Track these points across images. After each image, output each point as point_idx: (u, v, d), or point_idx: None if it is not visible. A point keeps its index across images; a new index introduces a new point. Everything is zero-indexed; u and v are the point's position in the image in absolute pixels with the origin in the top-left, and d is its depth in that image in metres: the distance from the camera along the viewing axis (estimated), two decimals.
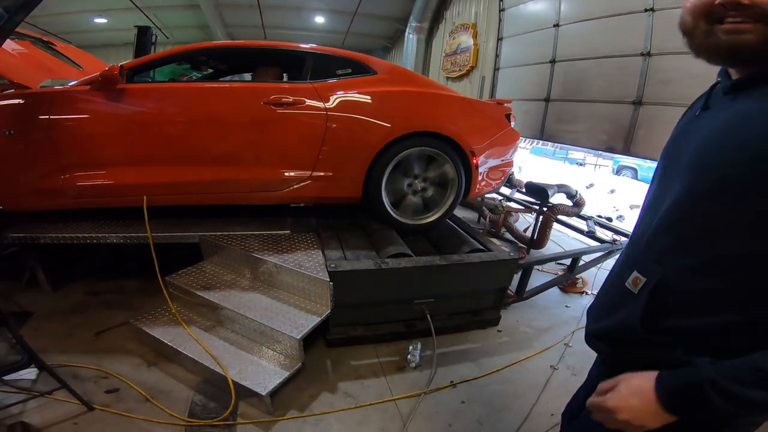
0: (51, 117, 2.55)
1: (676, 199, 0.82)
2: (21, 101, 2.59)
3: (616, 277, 0.97)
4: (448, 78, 9.23)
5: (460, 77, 8.71)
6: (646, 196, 0.98)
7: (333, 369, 2.50)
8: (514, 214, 4.61)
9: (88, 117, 2.61)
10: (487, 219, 4.36)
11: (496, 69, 7.38)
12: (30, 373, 2.13)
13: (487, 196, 4.76)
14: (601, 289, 1.09)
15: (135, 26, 4.79)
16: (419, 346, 2.65)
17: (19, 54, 3.24)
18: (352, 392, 2.33)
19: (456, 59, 8.88)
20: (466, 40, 8.53)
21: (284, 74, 3.23)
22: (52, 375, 1.98)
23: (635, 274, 0.88)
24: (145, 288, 3.18)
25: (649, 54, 4.39)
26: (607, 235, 4.06)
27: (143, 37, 4.67)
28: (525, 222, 5.18)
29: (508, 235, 4.74)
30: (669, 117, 4.00)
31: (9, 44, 3.25)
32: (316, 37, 13.50)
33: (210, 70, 3.63)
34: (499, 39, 7.29)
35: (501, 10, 7.30)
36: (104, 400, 2.12)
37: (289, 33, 13.25)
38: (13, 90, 2.65)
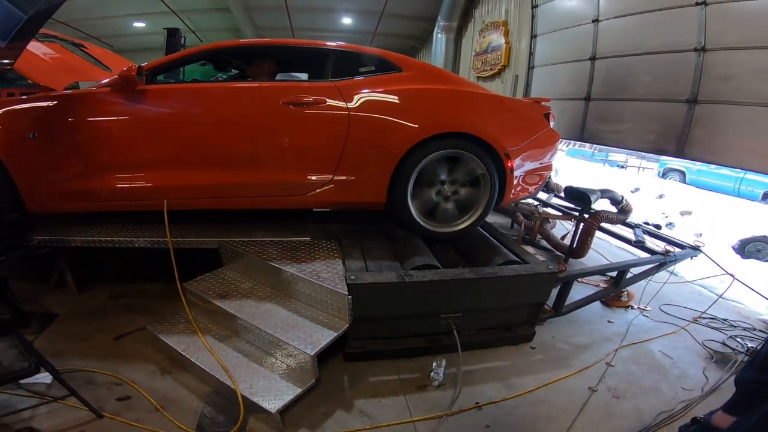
0: (73, 119, 2.54)
1: None
2: (45, 104, 2.58)
3: None
4: (478, 77, 8.98)
5: (492, 76, 8.45)
6: None
7: (350, 385, 2.35)
8: (551, 220, 4.31)
9: (109, 119, 2.58)
10: (522, 225, 4.08)
11: (530, 67, 7.09)
12: (45, 377, 2.12)
13: (521, 201, 4.48)
14: None
15: (164, 28, 4.83)
16: (444, 363, 2.45)
17: (48, 56, 3.28)
18: (368, 411, 2.17)
19: (487, 58, 8.61)
20: (496, 38, 8.26)
21: (304, 73, 3.11)
22: (61, 382, 1.97)
23: None
24: (166, 292, 3.11)
25: (704, 49, 4.03)
26: (657, 245, 3.69)
27: (172, 39, 4.71)
28: (562, 229, 4.86)
29: (544, 243, 4.45)
30: (735, 116, 3.62)
31: (38, 47, 3.30)
32: (344, 38, 13.53)
33: (235, 71, 3.57)
34: (533, 36, 7.00)
35: (534, 6, 7.01)
36: (115, 407, 2.08)
37: (317, 35, 13.36)
38: (37, 93, 2.66)
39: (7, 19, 2.44)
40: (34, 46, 3.19)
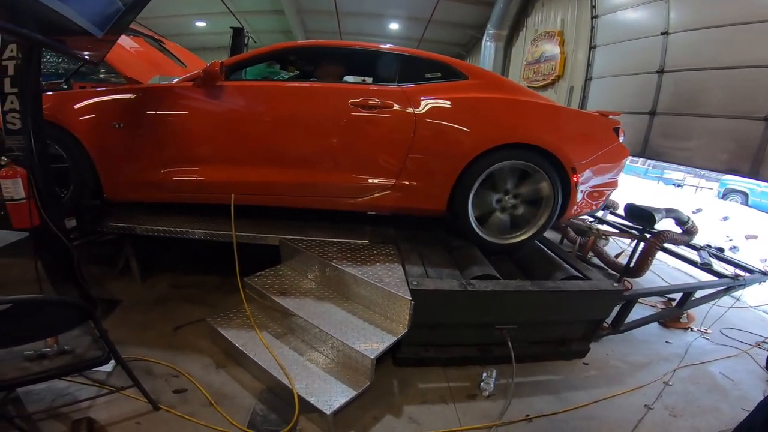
0: (157, 112, 2.66)
1: None
2: (132, 96, 2.73)
3: None
4: (529, 87, 8.78)
5: (544, 86, 8.26)
6: None
7: (399, 390, 2.35)
8: (605, 238, 4.15)
9: (190, 113, 2.70)
10: (577, 243, 3.95)
11: (587, 79, 6.87)
12: (106, 366, 2.13)
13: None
14: None
15: (231, 27, 5.03)
16: (494, 373, 2.42)
17: (134, 50, 3.46)
18: (417, 417, 2.16)
19: (539, 68, 8.43)
20: (551, 48, 8.08)
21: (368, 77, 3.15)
22: (128, 373, 1.98)
23: None
24: (223, 285, 3.24)
25: None
26: (725, 268, 3.49)
27: (237, 38, 4.89)
28: (616, 247, 4.66)
29: (595, 260, 4.28)
30: None
31: (126, 40, 3.48)
32: (391, 43, 13.57)
33: (296, 72, 3.65)
34: (592, 47, 6.79)
35: (594, 17, 6.80)
36: (171, 400, 2.12)
37: (364, 39, 13.50)
38: (112, 86, 2.81)
39: (106, 10, 2.57)
40: (122, 40, 3.36)
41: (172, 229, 2.84)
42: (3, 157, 2.40)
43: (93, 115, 2.71)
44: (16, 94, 2.34)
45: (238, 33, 4.91)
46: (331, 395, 2.03)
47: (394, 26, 12.75)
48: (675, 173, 14.20)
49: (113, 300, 2.97)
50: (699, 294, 3.25)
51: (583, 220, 4.23)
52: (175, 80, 2.81)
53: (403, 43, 13.51)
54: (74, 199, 2.82)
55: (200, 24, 12.84)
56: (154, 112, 2.67)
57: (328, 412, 1.93)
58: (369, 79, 3.11)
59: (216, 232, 2.80)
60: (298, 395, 2.02)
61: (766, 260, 4.64)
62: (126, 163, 2.77)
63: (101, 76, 4.04)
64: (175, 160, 2.74)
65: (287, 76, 3.95)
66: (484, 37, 10.07)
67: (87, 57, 2.63)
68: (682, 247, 3.85)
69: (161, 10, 10.58)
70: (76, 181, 2.80)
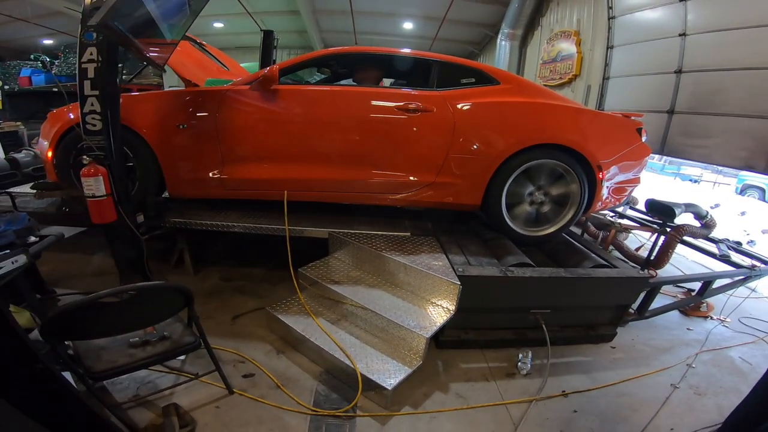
0: (217, 114, 2.89)
1: None
2: (194, 98, 2.95)
3: None
4: (546, 86, 8.89)
5: (561, 85, 8.37)
6: None
7: (444, 370, 2.56)
8: (626, 231, 4.34)
9: (247, 115, 2.92)
10: (599, 237, 4.14)
11: (605, 78, 7.00)
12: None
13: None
14: None
15: (261, 30, 5.23)
16: (530, 354, 2.63)
17: (188, 54, 3.66)
18: (463, 393, 2.37)
19: (556, 67, 8.54)
20: (567, 47, 8.18)
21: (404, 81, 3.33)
22: (212, 359, 2.13)
23: None
24: (269, 277, 3.47)
25: None
26: (743, 260, 3.68)
27: (267, 40, 5.09)
28: (635, 241, 4.84)
29: (616, 254, 4.47)
30: None
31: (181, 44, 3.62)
32: (405, 42, 13.77)
33: (328, 73, 3.79)
34: (609, 47, 6.91)
35: (610, 18, 6.92)
36: (242, 384, 2.28)
37: (378, 38, 13.67)
38: (187, 87, 3.01)
39: (178, 15, 2.76)
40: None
41: (230, 224, 3.05)
42: (85, 157, 2.65)
43: (159, 117, 2.94)
44: (96, 96, 2.51)
45: (267, 35, 5.11)
46: (388, 373, 2.21)
47: (408, 25, 12.85)
48: (692, 169, 14.22)
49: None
50: (718, 284, 3.43)
51: (604, 215, 4.41)
52: (230, 83, 3.04)
53: (417, 42, 13.69)
54: (139, 195, 3.04)
55: (218, 25, 13.10)
56: (214, 114, 2.88)
57: (389, 388, 2.11)
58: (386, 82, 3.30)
59: (271, 226, 3.01)
60: (361, 374, 2.19)
61: None
62: (188, 161, 3.00)
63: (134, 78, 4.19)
64: (234, 159, 2.96)
65: (318, 78, 4.16)
66: (499, 36, 10.16)
67: (156, 60, 2.84)
68: (701, 240, 4.03)
69: None
70: (142, 178, 3.03)
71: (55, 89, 6.99)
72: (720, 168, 9.99)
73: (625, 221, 4.42)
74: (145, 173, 3.03)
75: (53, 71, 7.16)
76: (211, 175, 3.00)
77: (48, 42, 12.25)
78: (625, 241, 4.48)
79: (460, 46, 14.03)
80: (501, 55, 10.15)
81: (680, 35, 5.36)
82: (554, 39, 8.63)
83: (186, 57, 3.57)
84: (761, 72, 4.29)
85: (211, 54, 4.27)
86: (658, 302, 3.29)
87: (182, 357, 2.37)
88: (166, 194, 3.18)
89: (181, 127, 2.92)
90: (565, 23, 8.46)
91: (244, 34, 13.27)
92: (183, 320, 2.12)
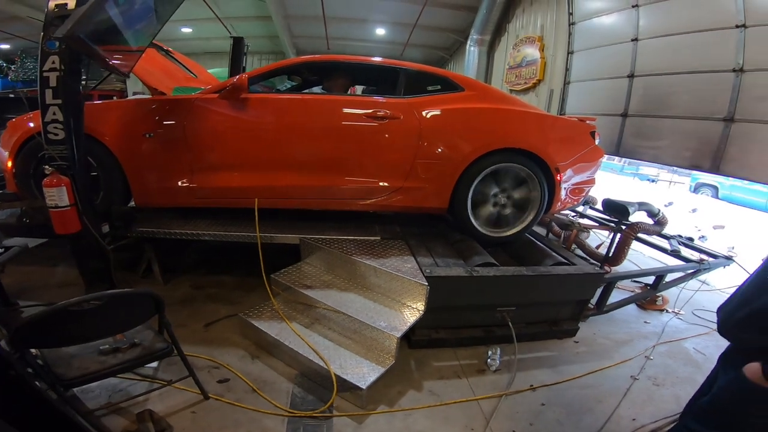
0: (186, 122, 2.88)
1: None
2: (161, 107, 2.94)
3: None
4: (512, 90, 9.20)
5: (525, 90, 8.66)
6: None
7: (417, 368, 2.64)
8: (586, 230, 4.55)
9: (216, 123, 2.92)
10: (561, 236, 4.34)
11: (566, 83, 7.30)
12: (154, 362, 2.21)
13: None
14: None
15: (231, 37, 5.17)
16: (498, 351, 2.75)
17: (154, 61, 3.61)
18: (436, 390, 2.45)
19: (521, 72, 8.84)
20: (531, 53, 8.48)
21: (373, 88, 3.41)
22: (186, 365, 2.12)
23: None
24: (242, 284, 3.46)
25: (741, 70, 4.23)
26: (692, 254, 3.94)
27: (238, 47, 5.03)
28: (596, 239, 5.08)
29: (578, 252, 4.68)
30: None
31: (147, 51, 3.55)
32: (377, 47, 13.92)
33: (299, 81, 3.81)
34: (570, 53, 7.22)
35: (571, 23, 7.22)
36: (217, 389, 2.28)
37: (351, 44, 13.76)
38: (153, 96, 2.98)
39: (144, 22, 2.72)
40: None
41: (199, 232, 3.05)
42: (47, 167, 2.60)
43: (124, 125, 2.91)
44: (59, 105, 2.46)
45: (238, 42, 5.06)
46: (363, 373, 2.26)
47: (380, 31, 13.01)
48: (649, 169, 14.93)
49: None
50: (670, 278, 3.65)
51: (566, 215, 4.61)
52: (197, 92, 3.04)
53: (389, 47, 13.85)
54: (104, 205, 2.99)
55: (186, 30, 12.87)
56: (183, 123, 2.88)
57: (363, 387, 2.16)
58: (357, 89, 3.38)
59: (241, 234, 3.03)
60: (336, 374, 2.24)
61: (732, 248, 5.10)
62: (156, 170, 2.98)
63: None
64: (204, 167, 2.96)
65: (288, 86, 4.19)
66: (468, 42, 10.43)
67: (121, 68, 2.77)
68: (655, 237, 4.28)
69: None
70: (106, 188, 2.99)
71: (12, 95, 6.73)
72: (675, 168, 10.55)
73: (585, 221, 4.64)
74: (109, 182, 2.99)
75: (9, 77, 6.89)
76: (180, 183, 2.99)
77: (4, 46, 11.73)
78: (586, 240, 4.70)
79: (431, 52, 14.29)
80: (470, 61, 10.41)
81: (632, 40, 5.66)
82: (520, 44, 8.93)
83: (152, 64, 3.53)
84: (706, 75, 4.60)
85: (177, 61, 4.22)
86: (616, 297, 3.48)
87: (155, 365, 2.35)
88: (132, 204, 3.14)
89: (147, 135, 2.90)
90: (530, 29, 8.76)
91: (214, 39, 13.08)
92: (154, 327, 2.12)
